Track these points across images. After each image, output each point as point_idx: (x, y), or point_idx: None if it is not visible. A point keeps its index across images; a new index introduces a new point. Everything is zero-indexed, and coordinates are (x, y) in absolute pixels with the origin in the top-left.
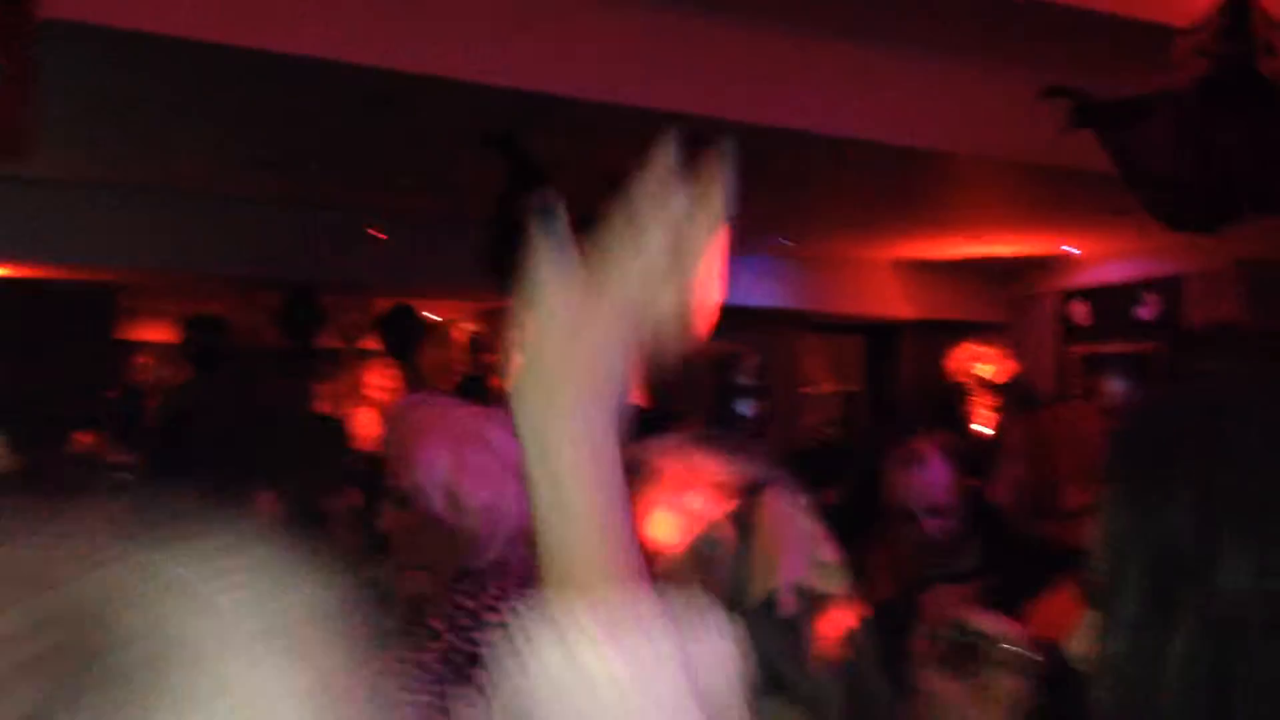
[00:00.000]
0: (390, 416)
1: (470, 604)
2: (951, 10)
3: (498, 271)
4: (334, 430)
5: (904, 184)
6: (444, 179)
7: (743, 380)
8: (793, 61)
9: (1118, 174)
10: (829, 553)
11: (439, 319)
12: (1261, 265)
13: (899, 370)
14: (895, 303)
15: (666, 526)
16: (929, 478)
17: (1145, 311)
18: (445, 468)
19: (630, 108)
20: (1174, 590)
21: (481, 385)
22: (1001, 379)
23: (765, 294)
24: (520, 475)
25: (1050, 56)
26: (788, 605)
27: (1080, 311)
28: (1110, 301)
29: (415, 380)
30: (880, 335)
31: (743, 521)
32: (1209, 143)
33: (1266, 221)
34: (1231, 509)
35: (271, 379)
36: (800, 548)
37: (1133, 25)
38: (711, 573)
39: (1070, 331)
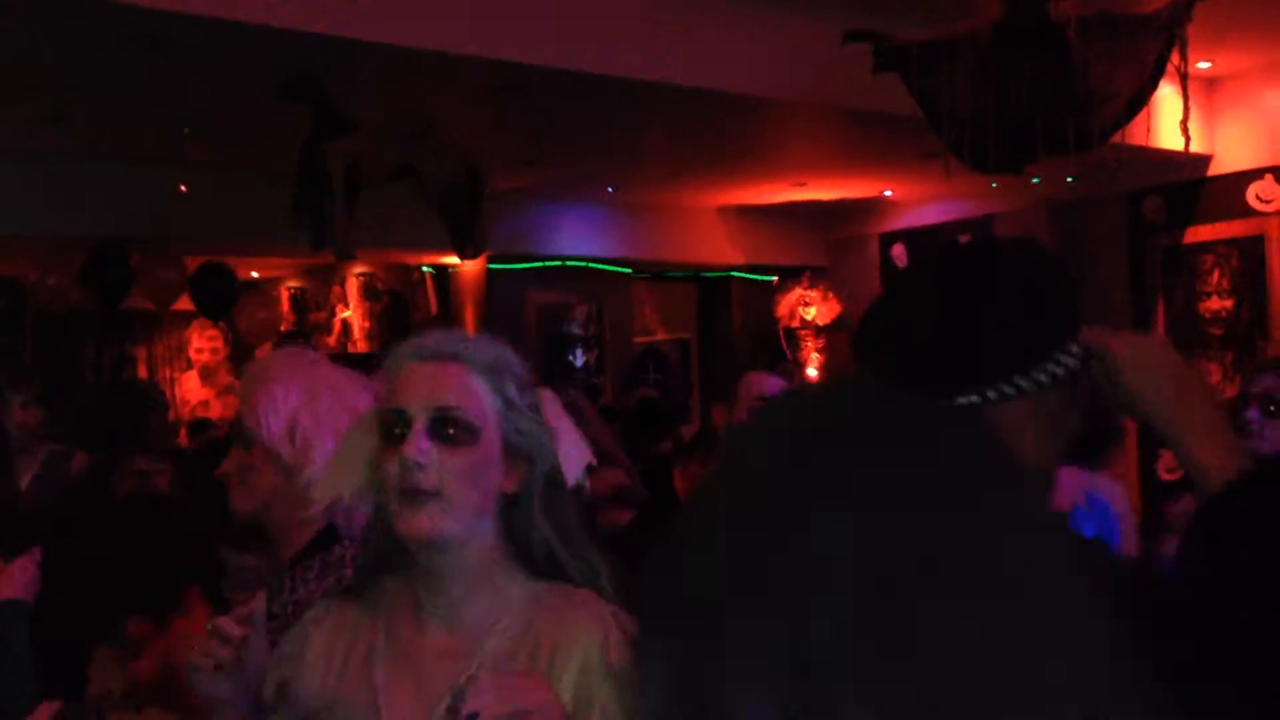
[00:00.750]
0: (250, 362)
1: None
2: None
3: (306, 225)
4: (142, 396)
5: (723, 130)
6: (251, 129)
7: (574, 330)
8: (604, 6)
9: (923, 117)
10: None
11: (257, 276)
12: (1064, 202)
13: (731, 316)
14: (724, 249)
15: None
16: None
17: None
18: (294, 406)
19: (436, 52)
20: None
21: (303, 343)
22: (825, 320)
23: (595, 244)
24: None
25: (859, 3)
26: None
27: (899, 253)
28: (927, 243)
29: (234, 340)
30: (710, 282)
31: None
32: (1005, 85)
33: (1066, 160)
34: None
35: (78, 344)
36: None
37: None
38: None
39: (889, 274)
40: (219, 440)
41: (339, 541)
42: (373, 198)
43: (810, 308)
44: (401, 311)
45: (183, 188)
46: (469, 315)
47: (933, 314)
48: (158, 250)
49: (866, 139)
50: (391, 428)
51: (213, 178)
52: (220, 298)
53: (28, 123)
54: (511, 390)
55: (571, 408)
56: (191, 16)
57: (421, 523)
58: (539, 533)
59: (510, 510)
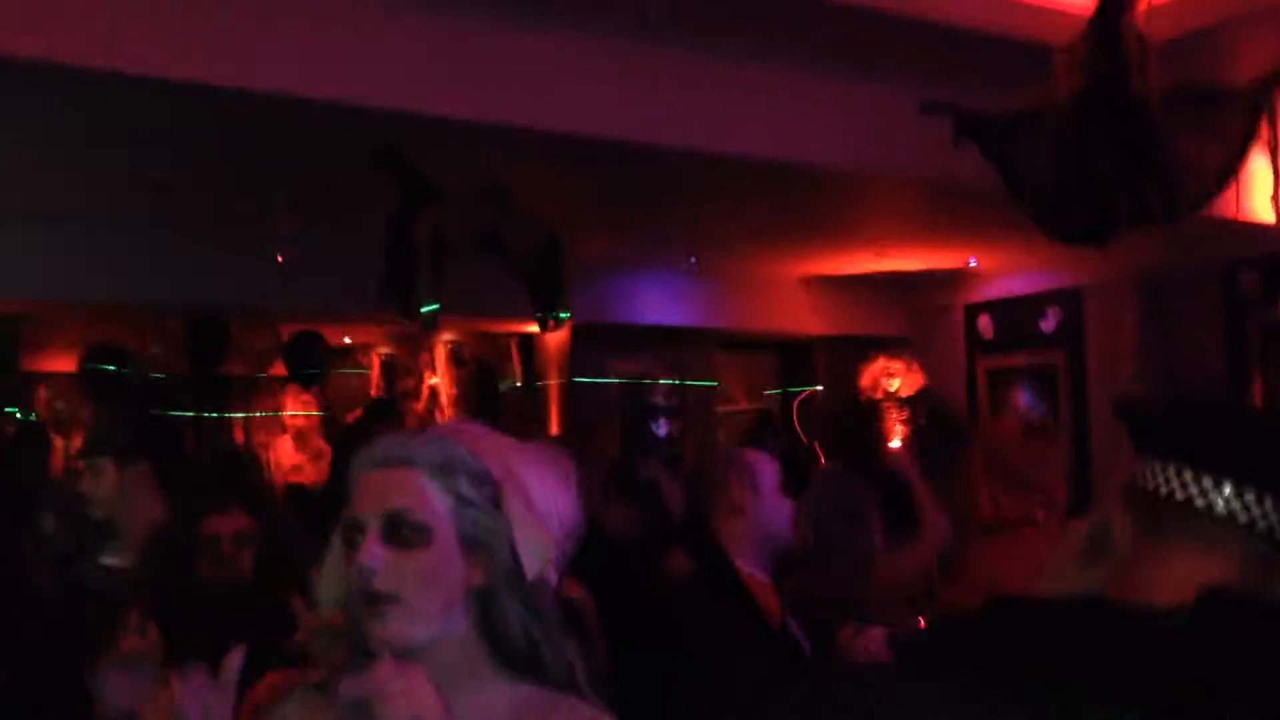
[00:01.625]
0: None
1: None
2: (841, 31)
3: (395, 294)
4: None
5: (805, 202)
6: (341, 201)
7: (656, 400)
8: (690, 82)
9: (1004, 188)
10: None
11: (349, 343)
12: (1156, 276)
13: (814, 386)
14: (806, 318)
15: None
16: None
17: (1047, 324)
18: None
19: (508, 125)
20: None
21: (392, 409)
22: (909, 392)
23: (677, 313)
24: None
25: (938, 75)
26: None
27: (985, 324)
28: (1014, 314)
29: (325, 406)
30: (792, 351)
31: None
32: (1086, 157)
33: (1157, 232)
34: None
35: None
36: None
37: (1015, 44)
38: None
39: (976, 344)
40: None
41: None
42: (461, 267)
43: (894, 379)
44: (487, 379)
45: (279, 258)
46: (553, 383)
47: None
48: (253, 318)
49: (948, 209)
50: (351, 535)
51: (306, 248)
52: (312, 365)
53: (130, 194)
54: (463, 486)
55: (647, 481)
56: (272, 94)
57: (385, 629)
58: (513, 626)
59: (485, 605)
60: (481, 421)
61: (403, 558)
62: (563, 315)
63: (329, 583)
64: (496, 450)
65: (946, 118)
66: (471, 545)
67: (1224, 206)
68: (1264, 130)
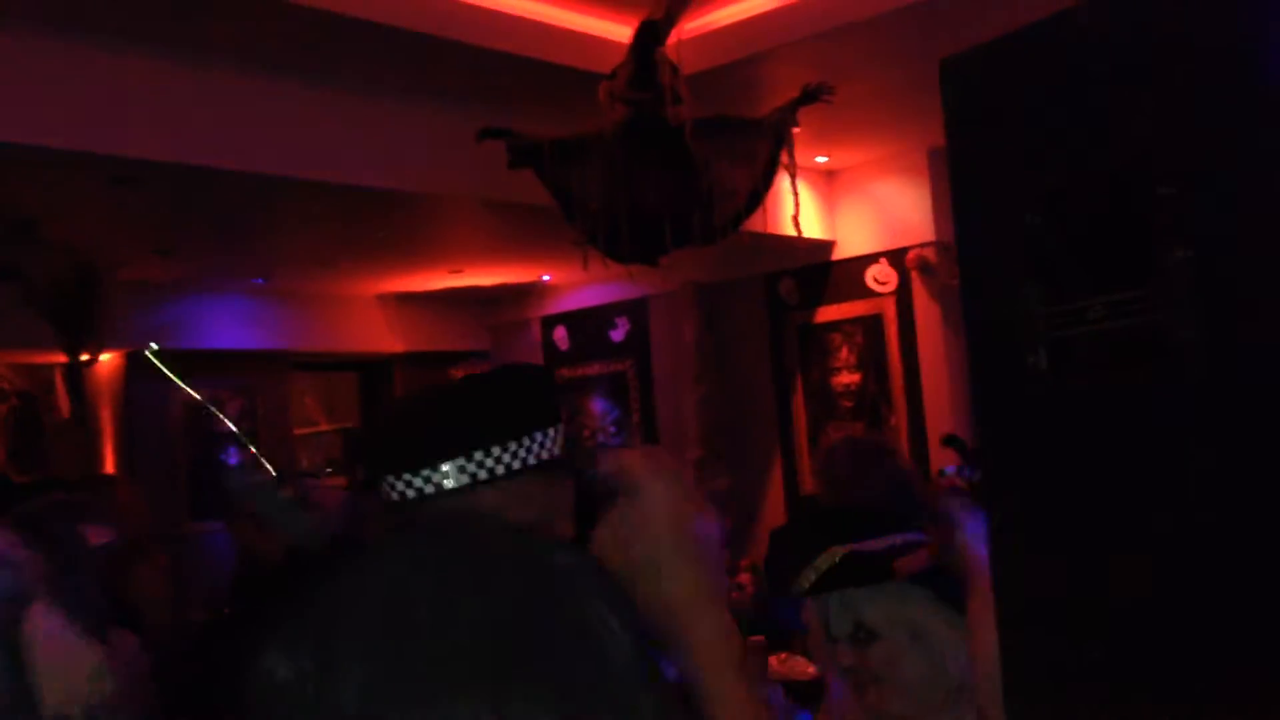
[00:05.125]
0: None
1: None
2: (403, 54)
3: None
4: None
5: (368, 221)
6: None
7: (224, 428)
8: (243, 103)
9: (558, 210)
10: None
11: None
12: (709, 285)
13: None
14: (384, 337)
15: None
16: None
17: (617, 334)
18: None
19: (42, 148)
20: None
21: None
22: None
23: (247, 336)
24: None
25: (495, 99)
26: None
27: (560, 336)
28: (587, 325)
29: None
30: (372, 370)
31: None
32: (631, 181)
33: (705, 249)
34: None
35: None
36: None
37: (568, 70)
38: None
39: (552, 355)
40: None
41: None
42: None
43: None
44: (32, 414)
45: None
46: (106, 416)
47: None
48: None
49: (517, 228)
50: None
51: None
52: None
53: None
54: None
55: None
56: None
57: None
58: None
59: None
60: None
61: None
62: (154, 347)
63: None
64: None
65: (501, 143)
66: None
67: (756, 224)
68: (784, 155)
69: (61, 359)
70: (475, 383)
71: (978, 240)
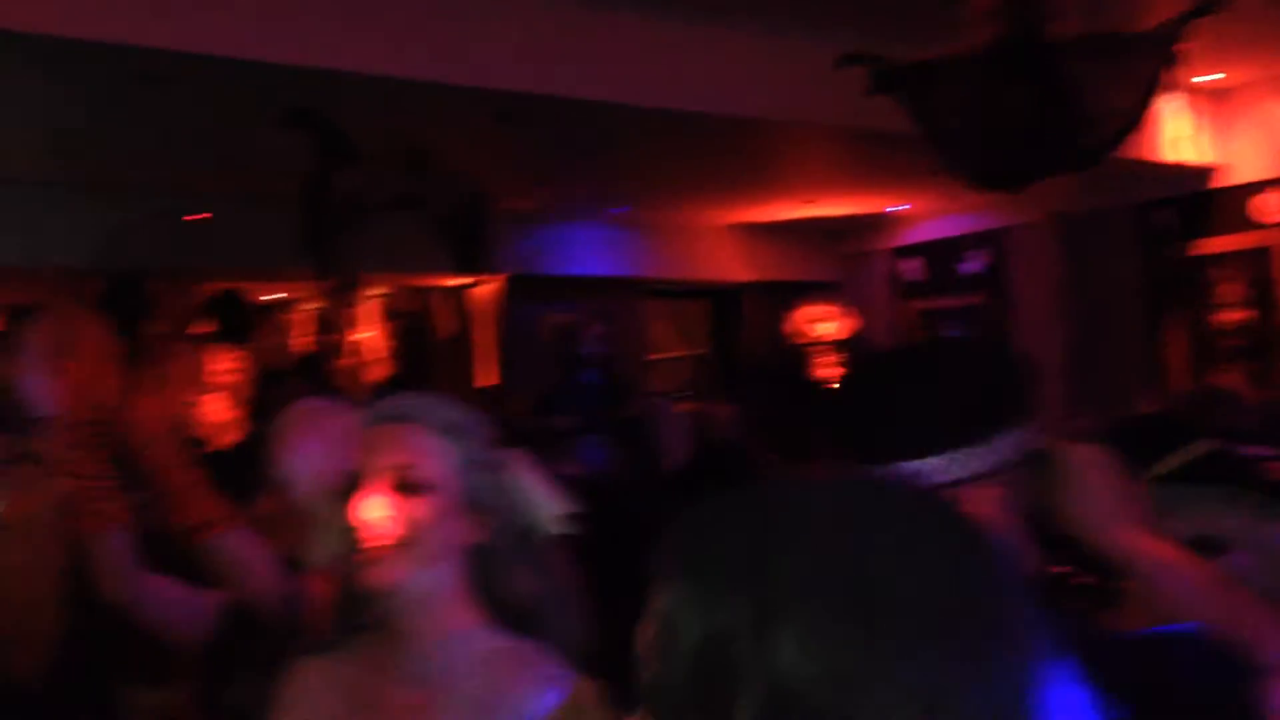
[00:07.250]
0: (282, 413)
1: None
2: None
3: (312, 252)
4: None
5: (731, 151)
6: (258, 160)
7: (586, 349)
8: (603, 34)
9: (920, 135)
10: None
11: (274, 299)
12: (1073, 216)
13: (742, 332)
14: (735, 266)
15: None
16: None
17: (971, 265)
18: (319, 458)
19: (432, 83)
20: (728, 685)
21: (319, 364)
22: (842, 336)
23: (606, 263)
24: None
25: (856, 23)
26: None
27: (911, 268)
28: (939, 256)
29: (252, 363)
30: (722, 298)
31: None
32: (1000, 104)
33: (1074, 176)
34: (788, 599)
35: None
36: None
37: None
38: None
39: (902, 287)
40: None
41: None
42: (381, 224)
43: (825, 323)
44: (419, 332)
45: (194, 218)
46: (485, 336)
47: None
48: (172, 278)
49: (872, 156)
50: (354, 486)
51: (223, 207)
52: (238, 323)
53: (41, 156)
54: (470, 448)
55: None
56: (186, 54)
57: (381, 572)
58: (514, 585)
59: (483, 566)
60: (413, 375)
61: (403, 505)
62: (487, 269)
63: (325, 540)
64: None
65: (864, 69)
66: (475, 504)
67: (1128, 149)
68: (1172, 73)
69: (445, 282)
70: (962, 362)
71: None
